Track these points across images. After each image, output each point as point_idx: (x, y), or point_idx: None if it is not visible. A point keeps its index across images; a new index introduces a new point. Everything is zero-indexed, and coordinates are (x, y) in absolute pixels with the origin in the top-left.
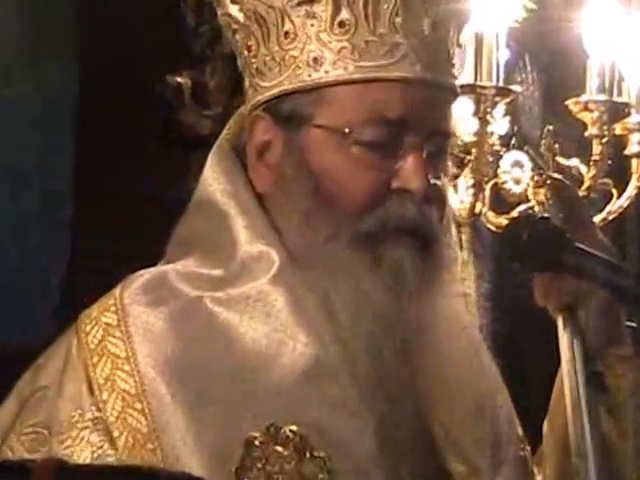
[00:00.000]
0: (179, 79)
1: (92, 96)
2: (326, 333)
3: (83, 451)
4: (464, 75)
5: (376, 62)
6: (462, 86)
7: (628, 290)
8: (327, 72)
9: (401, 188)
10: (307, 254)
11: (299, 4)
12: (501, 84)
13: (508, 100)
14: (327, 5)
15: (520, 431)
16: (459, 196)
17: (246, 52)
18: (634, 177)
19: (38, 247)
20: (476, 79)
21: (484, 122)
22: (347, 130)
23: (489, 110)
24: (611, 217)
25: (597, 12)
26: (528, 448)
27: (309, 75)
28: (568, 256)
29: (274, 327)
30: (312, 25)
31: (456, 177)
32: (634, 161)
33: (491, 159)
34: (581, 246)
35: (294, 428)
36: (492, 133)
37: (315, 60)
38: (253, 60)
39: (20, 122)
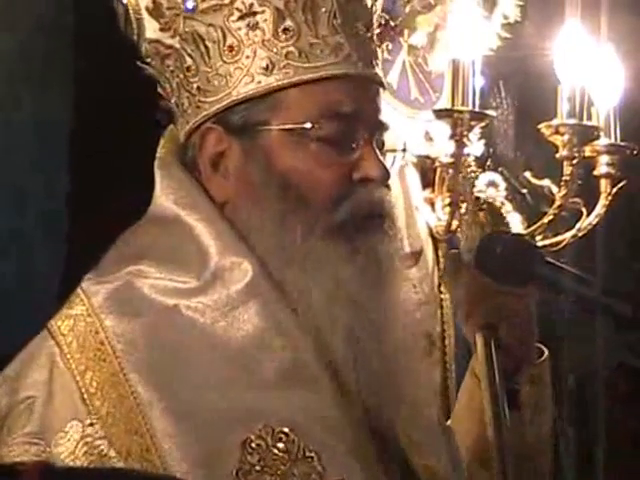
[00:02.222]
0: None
1: (87, 118)
2: (301, 338)
3: (85, 458)
4: (442, 100)
5: (323, 62)
6: (440, 110)
7: (594, 301)
8: (278, 77)
9: (364, 178)
10: (282, 255)
11: (240, 18)
12: (477, 109)
13: (483, 124)
14: (270, 16)
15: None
16: (436, 214)
17: (182, 75)
18: (602, 196)
19: (41, 261)
20: (453, 104)
21: (461, 144)
22: (306, 125)
23: (465, 133)
24: (581, 234)
25: (568, 41)
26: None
27: (259, 82)
28: (539, 269)
29: (250, 334)
30: (256, 36)
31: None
32: (602, 181)
33: (466, 180)
34: (551, 260)
35: (286, 430)
36: (468, 155)
37: (265, 67)
38: (192, 80)
39: (27, 143)
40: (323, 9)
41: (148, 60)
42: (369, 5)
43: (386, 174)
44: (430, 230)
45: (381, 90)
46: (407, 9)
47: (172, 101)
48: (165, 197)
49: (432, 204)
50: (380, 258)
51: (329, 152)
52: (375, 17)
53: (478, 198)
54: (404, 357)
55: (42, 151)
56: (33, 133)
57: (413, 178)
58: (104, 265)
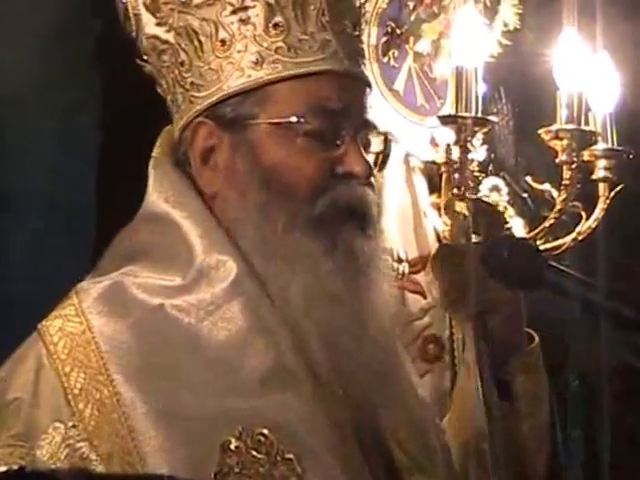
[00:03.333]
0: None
1: (113, 128)
2: (282, 337)
3: (67, 460)
4: (446, 106)
5: (311, 57)
6: (444, 117)
7: (596, 303)
8: (267, 71)
9: (346, 172)
10: (264, 249)
11: (233, 12)
12: (479, 115)
13: (486, 130)
14: (261, 10)
15: (439, 421)
16: (443, 219)
17: (177, 70)
18: (601, 200)
19: (64, 266)
20: (457, 110)
21: (464, 150)
22: (293, 119)
23: (469, 139)
24: (581, 237)
25: (566, 49)
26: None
27: (249, 76)
28: (545, 273)
29: (233, 334)
30: (248, 30)
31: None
32: (601, 185)
33: (471, 184)
34: (554, 264)
35: (265, 432)
36: (472, 160)
37: (255, 62)
38: (186, 75)
39: (50, 149)
40: (312, 6)
41: (146, 57)
42: (357, 4)
43: (368, 170)
44: (437, 235)
45: (368, 90)
46: (412, 17)
47: (168, 98)
48: (157, 195)
49: (439, 209)
50: (357, 255)
51: (314, 146)
52: (363, 18)
53: (459, 187)
54: (388, 354)
55: (65, 155)
56: (56, 137)
57: (420, 184)
58: (102, 264)
